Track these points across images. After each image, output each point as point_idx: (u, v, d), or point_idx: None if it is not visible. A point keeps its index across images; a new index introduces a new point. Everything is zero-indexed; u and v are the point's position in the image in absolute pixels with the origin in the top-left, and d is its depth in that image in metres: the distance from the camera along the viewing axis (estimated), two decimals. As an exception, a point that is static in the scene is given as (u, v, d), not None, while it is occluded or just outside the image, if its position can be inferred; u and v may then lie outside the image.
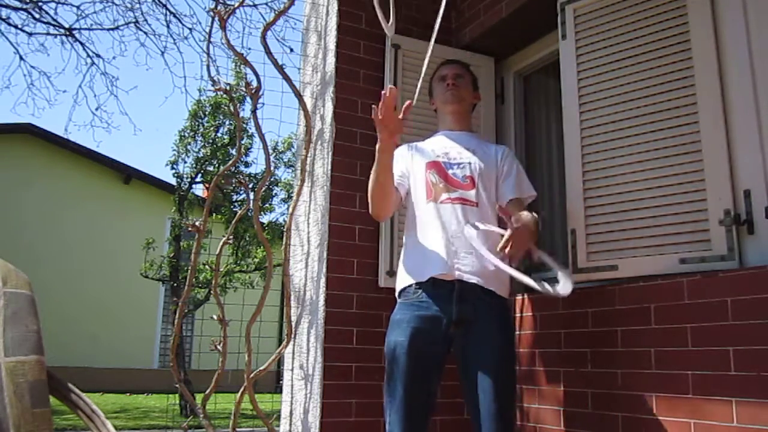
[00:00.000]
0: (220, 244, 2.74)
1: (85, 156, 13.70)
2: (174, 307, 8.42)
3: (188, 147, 9.42)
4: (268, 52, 2.60)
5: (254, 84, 2.62)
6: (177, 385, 2.75)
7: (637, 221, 2.13)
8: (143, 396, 11.31)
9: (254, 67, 2.62)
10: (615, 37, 2.29)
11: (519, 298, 2.55)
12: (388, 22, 1.83)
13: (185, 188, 9.32)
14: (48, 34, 7.37)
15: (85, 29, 8.70)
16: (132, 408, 9.09)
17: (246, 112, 7.69)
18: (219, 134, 9.49)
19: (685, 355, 1.87)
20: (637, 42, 2.22)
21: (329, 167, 2.69)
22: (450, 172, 2.05)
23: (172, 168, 9.44)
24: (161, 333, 14.07)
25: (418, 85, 1.89)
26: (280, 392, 2.85)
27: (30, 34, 7.24)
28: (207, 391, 2.54)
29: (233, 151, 9.20)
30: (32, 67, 12.60)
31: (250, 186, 8.22)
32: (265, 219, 10.33)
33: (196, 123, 9.50)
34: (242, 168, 9.64)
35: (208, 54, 2.75)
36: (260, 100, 2.64)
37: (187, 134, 9.46)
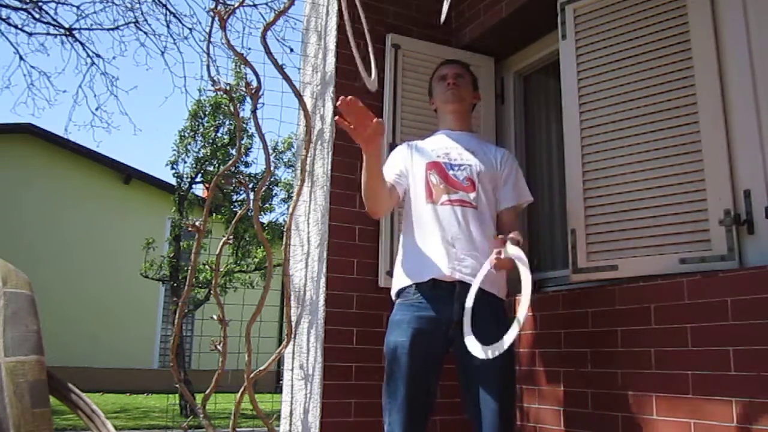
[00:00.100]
0: (220, 244, 2.74)
1: (85, 156, 13.70)
2: (174, 307, 8.42)
3: (188, 147, 9.41)
4: (268, 52, 2.60)
5: (254, 84, 2.62)
6: (177, 385, 2.75)
7: (637, 221, 2.13)
8: (143, 396, 11.31)
9: (254, 67, 2.62)
10: (615, 37, 2.29)
11: (519, 298, 2.54)
12: (370, 77, 1.82)
13: (185, 188, 9.31)
14: (48, 34, 7.37)
15: (85, 29, 8.71)
16: (132, 408, 9.09)
17: (246, 112, 7.69)
18: (219, 134, 9.49)
19: (685, 355, 1.87)
20: (637, 42, 2.22)
21: (329, 167, 2.69)
22: (450, 173, 2.04)
23: (172, 168, 9.44)
24: (161, 333, 14.07)
25: (373, 70, 1.87)
26: (280, 392, 2.85)
27: (30, 34, 7.24)
28: (207, 391, 2.54)
29: (233, 151, 9.20)
30: (32, 67, 12.60)
31: (250, 186, 8.22)
32: (265, 219, 10.33)
33: (196, 123, 9.50)
34: (242, 168, 9.64)
35: (208, 54, 2.75)
36: (260, 100, 2.64)
37: (187, 134, 9.45)
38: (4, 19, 7.00)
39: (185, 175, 9.34)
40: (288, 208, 3.02)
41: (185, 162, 9.42)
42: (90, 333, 12.76)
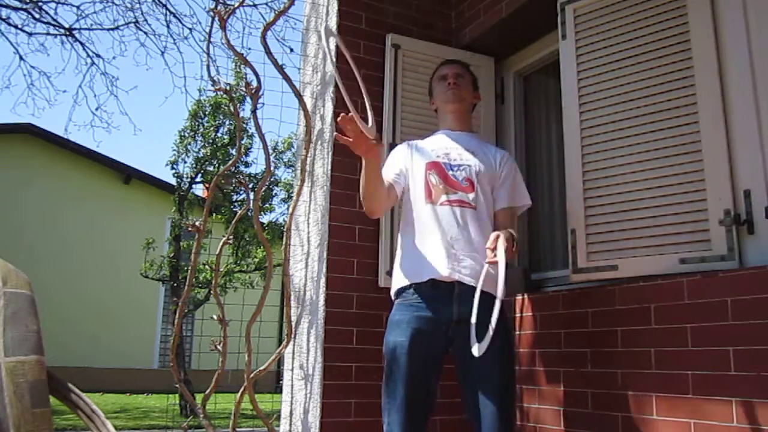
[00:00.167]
0: (220, 244, 2.74)
1: (85, 156, 13.70)
2: (174, 307, 8.42)
3: (188, 147, 9.42)
4: (268, 52, 2.60)
5: (254, 84, 2.62)
6: (177, 385, 2.75)
7: (637, 221, 2.13)
8: (143, 396, 11.31)
9: (254, 67, 2.62)
10: (615, 37, 2.29)
11: (519, 298, 2.55)
12: (367, 124, 1.84)
13: (185, 188, 9.32)
14: (48, 34, 7.37)
15: (85, 29, 8.71)
16: (132, 408, 9.09)
17: (246, 112, 7.69)
18: (219, 134, 9.49)
19: (685, 355, 1.87)
20: (637, 42, 2.22)
21: (329, 167, 2.69)
22: (450, 173, 2.04)
23: (172, 168, 9.45)
24: (161, 333, 14.07)
25: (367, 104, 1.89)
26: (280, 392, 2.85)
27: (30, 34, 7.24)
28: (207, 391, 2.54)
29: (233, 151, 9.20)
30: (32, 67, 12.61)
31: (250, 186, 8.22)
32: (265, 219, 10.33)
33: (196, 123, 9.50)
34: (242, 168, 9.65)
35: (208, 54, 2.75)
36: (260, 100, 2.64)
37: (187, 134, 9.46)
38: (4, 19, 7.00)
39: (185, 175, 9.35)
40: (288, 208, 3.02)
41: (185, 162, 9.43)
42: (90, 333, 12.76)
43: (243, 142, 9.03)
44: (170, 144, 18.20)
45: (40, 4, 7.02)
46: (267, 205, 10.63)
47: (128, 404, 9.65)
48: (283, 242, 2.63)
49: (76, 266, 13.10)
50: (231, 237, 2.84)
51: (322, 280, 2.59)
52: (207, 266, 8.32)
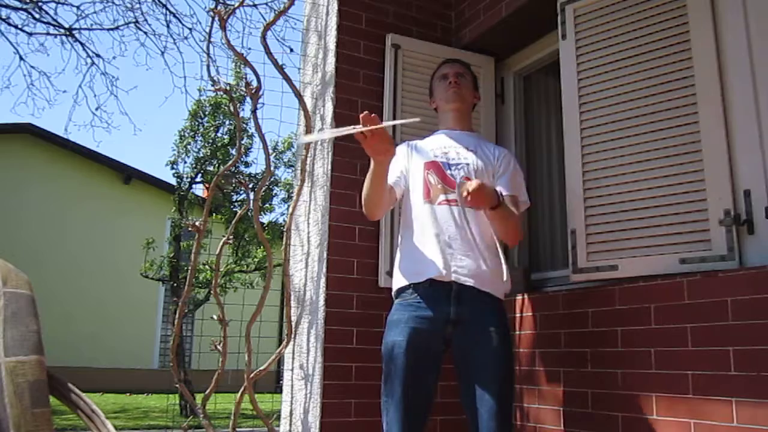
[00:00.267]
0: (220, 244, 2.74)
1: (85, 156, 13.70)
2: (174, 307, 8.42)
3: (188, 147, 9.41)
4: (268, 52, 2.60)
5: (254, 84, 2.62)
6: (177, 385, 2.75)
7: (637, 221, 2.13)
8: (143, 396, 11.31)
9: (254, 67, 2.63)
10: (615, 37, 2.29)
11: (519, 298, 2.55)
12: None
13: (185, 188, 9.31)
14: (48, 34, 7.37)
15: (85, 29, 8.69)
16: (132, 408, 9.09)
17: (246, 112, 7.69)
18: (219, 134, 9.48)
19: (685, 355, 1.87)
20: (637, 42, 2.22)
21: (329, 167, 2.69)
22: (448, 173, 2.04)
23: (172, 168, 9.45)
24: (161, 333, 14.07)
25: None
26: (280, 392, 2.85)
27: (30, 34, 7.24)
28: (207, 391, 2.54)
29: (233, 151, 9.20)
30: (32, 67, 12.58)
31: (250, 186, 8.22)
32: (265, 219, 10.33)
33: (196, 123, 9.50)
34: (242, 168, 9.65)
35: (208, 54, 2.75)
36: (260, 100, 2.64)
37: (187, 134, 9.45)
38: (4, 19, 7.00)
39: (185, 175, 9.34)
40: (288, 208, 3.02)
41: (185, 162, 9.42)
42: (90, 333, 12.76)
43: (243, 142, 9.03)
44: (170, 144, 18.21)
45: (40, 4, 7.03)
46: (267, 205, 10.63)
47: (128, 404, 9.65)
48: (283, 242, 2.63)
49: (76, 266, 13.11)
50: (231, 237, 2.84)
51: (322, 280, 2.59)
52: (207, 266, 8.33)
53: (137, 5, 7.09)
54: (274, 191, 10.90)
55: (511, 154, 2.21)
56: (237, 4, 2.81)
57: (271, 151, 2.87)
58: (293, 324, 2.65)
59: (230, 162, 3.09)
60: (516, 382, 2.21)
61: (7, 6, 6.91)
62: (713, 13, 2.04)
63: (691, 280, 1.90)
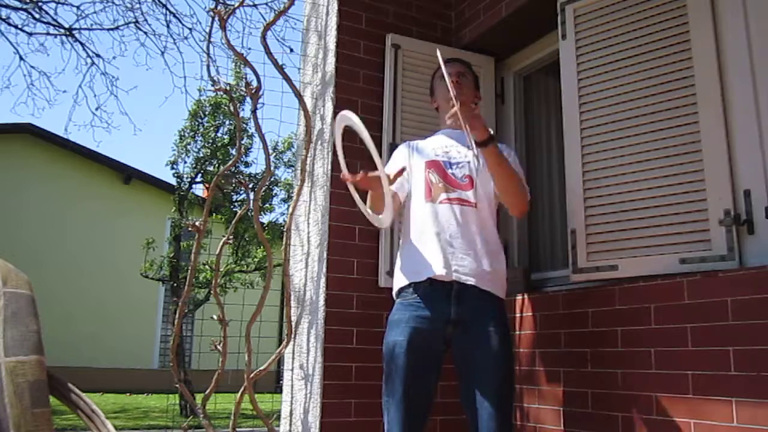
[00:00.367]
0: (220, 244, 2.74)
1: (85, 156, 13.70)
2: (174, 307, 8.42)
3: (188, 147, 9.41)
4: (268, 52, 2.60)
5: (254, 84, 2.62)
6: (177, 385, 2.75)
7: (637, 221, 2.13)
8: (143, 396, 11.31)
9: (254, 67, 2.63)
10: (615, 37, 2.29)
11: (519, 298, 2.55)
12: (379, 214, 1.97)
13: (185, 188, 9.31)
14: (48, 34, 7.37)
15: (85, 29, 8.70)
16: (132, 408, 9.09)
17: (246, 112, 7.70)
18: (219, 134, 9.48)
19: (685, 355, 1.87)
20: (637, 42, 2.22)
21: (329, 167, 2.69)
22: (449, 171, 2.04)
23: (172, 168, 9.44)
24: (161, 333, 14.07)
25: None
26: (280, 392, 2.85)
27: (30, 34, 7.24)
28: (207, 391, 2.54)
29: (233, 151, 9.20)
30: (32, 67, 12.58)
31: (250, 186, 8.22)
32: (265, 219, 10.33)
33: (196, 123, 9.49)
34: (242, 168, 9.65)
35: (208, 54, 2.75)
36: (260, 100, 2.64)
37: (187, 134, 9.45)
38: (4, 19, 7.00)
39: (185, 175, 9.34)
40: (288, 208, 3.02)
41: (185, 162, 9.42)
42: (90, 333, 12.76)
43: (243, 142, 9.03)
44: (170, 144, 18.22)
45: (40, 4, 7.03)
46: (267, 205, 10.62)
47: (128, 404, 9.65)
48: (283, 242, 2.63)
49: (76, 266, 13.10)
50: (231, 237, 2.84)
51: (322, 280, 2.59)
52: (207, 266, 8.33)
53: (137, 5, 7.09)
54: (274, 191, 10.90)
55: (510, 148, 2.22)
56: (237, 4, 2.82)
57: (271, 151, 2.88)
58: (293, 324, 2.65)
59: (230, 162, 3.09)
60: (516, 382, 2.21)
61: (7, 6, 6.91)
62: (713, 13, 2.04)
63: (691, 280, 1.90)
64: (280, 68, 2.64)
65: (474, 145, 1.89)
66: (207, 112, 9.47)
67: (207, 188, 8.22)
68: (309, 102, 2.93)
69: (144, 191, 14.28)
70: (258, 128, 2.67)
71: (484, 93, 2.81)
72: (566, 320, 2.30)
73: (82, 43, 7.41)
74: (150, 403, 9.89)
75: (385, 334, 1.98)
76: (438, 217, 1.98)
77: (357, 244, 2.67)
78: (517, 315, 2.53)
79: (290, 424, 2.67)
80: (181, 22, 9.10)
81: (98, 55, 7.52)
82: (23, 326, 1.05)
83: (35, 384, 1.01)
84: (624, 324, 2.07)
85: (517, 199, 2.02)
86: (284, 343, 2.60)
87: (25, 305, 1.08)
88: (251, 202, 2.87)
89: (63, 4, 7.12)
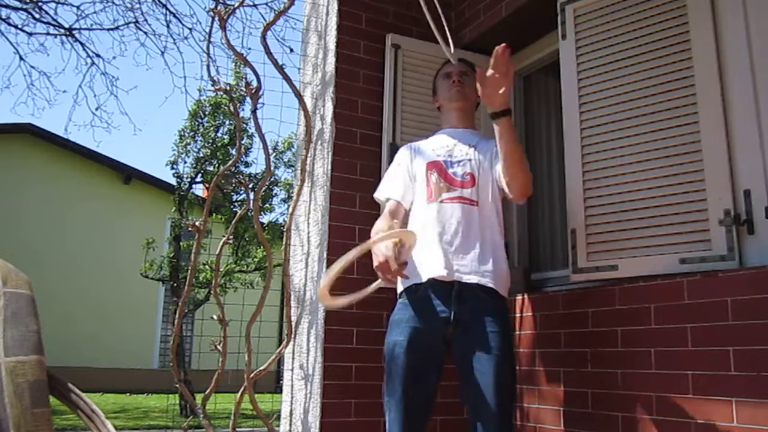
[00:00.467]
0: (220, 244, 2.74)
1: (85, 156, 13.71)
2: (174, 307, 8.42)
3: (188, 147, 9.41)
4: (268, 52, 2.60)
5: (254, 84, 2.62)
6: (177, 385, 2.75)
7: (637, 221, 2.13)
8: (143, 396, 11.31)
9: (254, 67, 2.63)
10: (615, 37, 2.29)
11: (519, 298, 2.55)
12: (449, 46, 1.86)
13: (185, 188, 9.31)
14: (48, 34, 7.37)
15: (85, 29, 8.70)
16: (132, 408, 9.09)
17: (246, 112, 7.69)
18: (219, 134, 9.48)
19: (685, 355, 1.87)
20: (637, 42, 2.22)
21: (329, 167, 2.69)
22: (450, 171, 2.05)
23: (172, 168, 9.44)
24: (161, 333, 14.07)
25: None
26: (280, 392, 2.85)
27: (30, 34, 7.24)
28: (207, 391, 2.54)
29: (233, 151, 9.20)
30: (32, 67, 12.58)
31: (250, 186, 8.22)
32: (265, 219, 10.33)
33: (196, 123, 9.50)
34: (242, 168, 9.65)
35: (208, 54, 2.75)
36: (260, 100, 2.64)
37: (187, 134, 9.45)
38: (4, 19, 7.00)
39: (185, 175, 9.34)
40: (288, 208, 3.02)
41: (185, 162, 9.42)
42: (90, 333, 12.76)
43: (243, 142, 9.04)
44: (170, 144, 18.22)
45: (40, 4, 7.03)
46: (267, 205, 10.63)
47: (128, 404, 9.65)
48: (283, 242, 2.63)
49: (76, 266, 13.11)
50: (231, 237, 2.84)
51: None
52: (207, 266, 8.33)
53: (137, 5, 7.10)
54: (274, 191, 10.90)
55: None
56: (237, 4, 2.82)
57: (271, 151, 2.88)
58: (293, 324, 2.65)
59: (230, 162, 3.09)
60: (516, 382, 2.21)
61: (7, 6, 6.91)
62: (713, 13, 2.04)
63: (691, 280, 1.90)
64: (280, 68, 2.64)
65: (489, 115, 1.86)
66: (207, 112, 9.47)
67: (207, 188, 8.22)
68: (309, 102, 2.93)
69: (144, 191, 14.28)
70: (258, 128, 2.67)
71: (484, 93, 2.80)
72: (566, 320, 2.30)
73: (82, 43, 7.42)
74: (150, 403, 9.89)
75: (386, 334, 1.99)
76: (439, 217, 1.99)
77: (357, 245, 2.66)
78: (517, 315, 2.53)
79: (290, 424, 2.67)
80: (181, 22, 9.11)
81: (98, 55, 7.54)
82: (23, 326, 1.05)
83: (35, 384, 1.01)
84: (624, 324, 2.07)
85: (523, 178, 1.96)
86: (284, 343, 2.60)
87: (25, 305, 1.08)
88: (251, 202, 2.88)
89: (63, 4, 7.13)
